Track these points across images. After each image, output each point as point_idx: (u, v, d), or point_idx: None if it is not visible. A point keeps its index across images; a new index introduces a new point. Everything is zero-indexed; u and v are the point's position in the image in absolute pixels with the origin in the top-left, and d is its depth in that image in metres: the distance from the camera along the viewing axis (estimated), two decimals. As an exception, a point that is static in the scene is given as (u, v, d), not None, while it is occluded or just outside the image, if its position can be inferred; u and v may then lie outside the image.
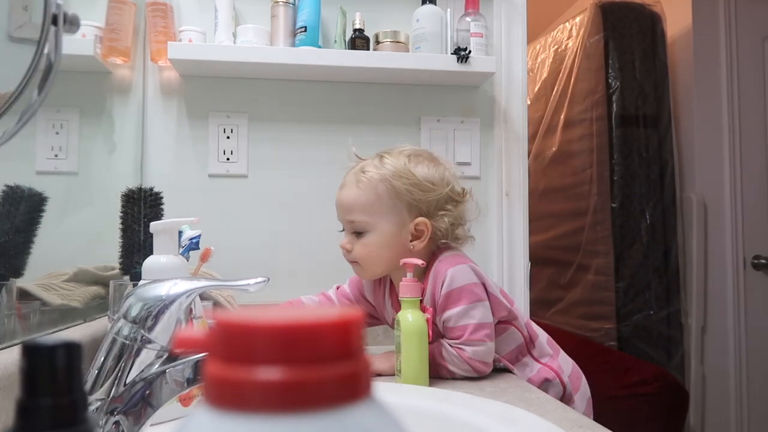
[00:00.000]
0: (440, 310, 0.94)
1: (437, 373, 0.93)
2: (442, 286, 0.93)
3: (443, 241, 0.97)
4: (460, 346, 0.92)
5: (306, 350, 0.21)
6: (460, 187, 0.99)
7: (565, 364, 1.03)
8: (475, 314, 0.92)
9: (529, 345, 1.02)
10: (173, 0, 1.27)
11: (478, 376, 0.95)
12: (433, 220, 0.94)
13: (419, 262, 0.89)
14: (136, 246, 0.92)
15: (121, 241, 0.95)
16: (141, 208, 0.92)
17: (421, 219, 0.94)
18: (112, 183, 0.93)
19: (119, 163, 1.21)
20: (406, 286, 0.88)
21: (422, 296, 0.94)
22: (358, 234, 0.95)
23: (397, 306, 1.01)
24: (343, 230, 0.99)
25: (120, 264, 0.96)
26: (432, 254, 0.98)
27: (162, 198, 0.97)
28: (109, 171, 1.14)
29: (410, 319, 0.88)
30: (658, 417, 1.88)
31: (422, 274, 0.97)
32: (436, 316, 0.95)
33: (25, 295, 0.83)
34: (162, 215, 0.96)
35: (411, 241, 0.95)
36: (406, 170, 0.93)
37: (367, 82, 1.34)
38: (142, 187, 0.95)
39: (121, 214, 0.93)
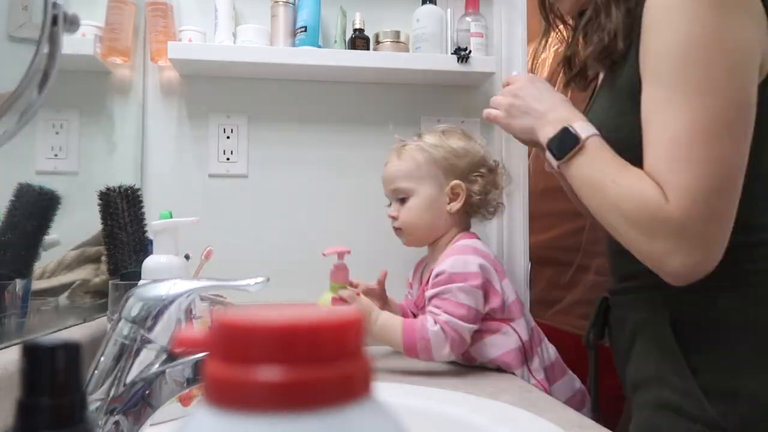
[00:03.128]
0: (431, 286, 0.99)
1: (414, 354, 0.96)
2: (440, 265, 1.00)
3: (478, 197, 1.07)
4: (437, 312, 0.96)
5: (306, 350, 0.21)
6: (491, 159, 1.12)
7: (565, 390, 1.03)
8: (460, 295, 0.96)
9: (527, 353, 1.01)
10: (173, 0, 1.27)
11: (459, 363, 1.01)
12: (467, 183, 1.06)
13: (346, 249, 1.00)
14: (119, 245, 0.92)
15: (105, 240, 0.94)
16: (120, 206, 0.91)
17: (456, 182, 1.05)
18: (112, 183, 0.93)
19: (119, 163, 1.21)
20: (336, 272, 0.99)
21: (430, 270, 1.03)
22: (402, 201, 1.06)
23: (421, 281, 1.12)
24: (390, 204, 1.10)
25: (108, 264, 0.95)
26: (461, 229, 1.08)
27: (140, 194, 0.95)
28: (109, 171, 1.14)
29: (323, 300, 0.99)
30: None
31: (443, 248, 1.06)
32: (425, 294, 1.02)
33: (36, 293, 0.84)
34: (143, 212, 0.95)
35: (448, 203, 1.05)
36: (441, 141, 1.07)
37: (367, 82, 1.34)
38: (121, 184, 0.93)
39: (101, 214, 0.92)
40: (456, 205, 1.05)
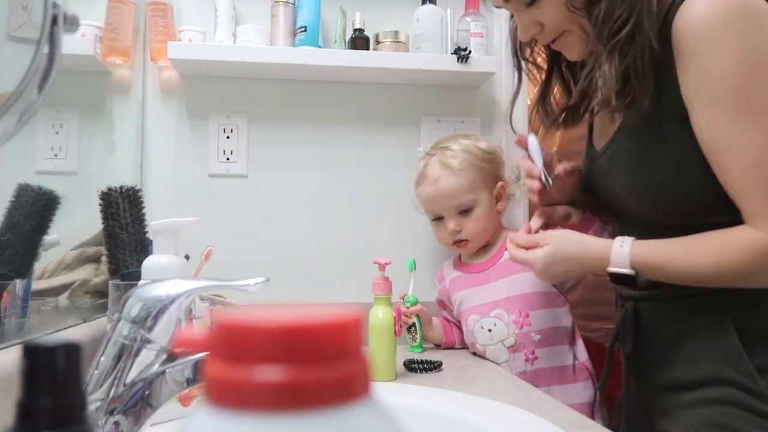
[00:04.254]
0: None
1: None
2: None
3: (512, 192, 1.15)
4: None
5: (306, 350, 0.21)
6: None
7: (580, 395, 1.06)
8: None
9: (571, 339, 1.07)
10: (173, 0, 1.27)
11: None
12: (504, 182, 1.13)
13: (388, 260, 0.99)
14: (121, 245, 0.92)
15: (106, 241, 0.94)
16: (122, 207, 0.91)
17: (500, 183, 1.12)
18: (112, 183, 0.93)
19: (119, 163, 1.20)
20: (378, 284, 0.97)
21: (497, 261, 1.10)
22: (465, 213, 1.10)
23: (459, 265, 1.18)
24: (437, 219, 1.13)
25: (109, 264, 0.95)
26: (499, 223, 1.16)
27: (141, 194, 0.95)
28: (109, 171, 1.14)
29: (380, 315, 0.95)
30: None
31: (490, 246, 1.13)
32: None
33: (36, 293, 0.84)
34: (143, 212, 0.95)
35: (496, 204, 1.12)
36: (476, 148, 1.12)
37: (367, 82, 1.34)
38: (122, 184, 0.93)
39: (102, 214, 0.92)
40: (503, 204, 1.13)
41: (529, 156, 0.98)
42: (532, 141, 0.97)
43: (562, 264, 0.87)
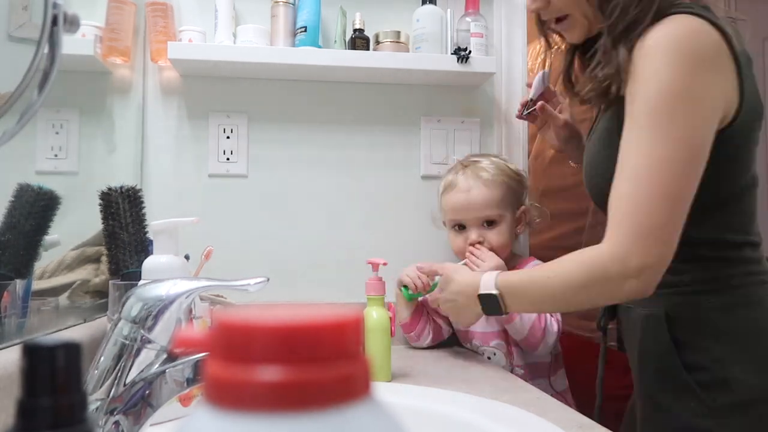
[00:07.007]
0: None
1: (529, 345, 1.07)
2: None
3: (536, 219, 1.17)
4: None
5: (306, 350, 0.21)
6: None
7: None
8: None
9: (551, 371, 1.12)
10: (173, 0, 1.27)
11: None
12: (527, 207, 1.15)
13: (382, 261, 0.99)
14: (121, 245, 0.92)
15: (106, 241, 0.94)
16: (122, 206, 0.91)
17: (524, 207, 1.14)
18: (112, 183, 0.93)
19: (119, 163, 1.20)
20: (371, 285, 0.96)
21: None
22: (489, 226, 1.11)
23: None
24: (459, 228, 1.14)
25: (109, 264, 0.95)
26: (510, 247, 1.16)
27: (142, 194, 0.95)
28: (109, 171, 1.14)
29: (375, 316, 0.94)
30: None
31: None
32: None
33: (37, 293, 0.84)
34: (143, 212, 0.95)
35: (516, 227, 1.14)
36: (507, 167, 1.14)
37: (367, 82, 1.34)
38: (122, 184, 0.93)
39: (102, 214, 0.92)
40: (522, 228, 1.15)
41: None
42: (538, 76, 1.04)
43: (452, 293, 0.93)
